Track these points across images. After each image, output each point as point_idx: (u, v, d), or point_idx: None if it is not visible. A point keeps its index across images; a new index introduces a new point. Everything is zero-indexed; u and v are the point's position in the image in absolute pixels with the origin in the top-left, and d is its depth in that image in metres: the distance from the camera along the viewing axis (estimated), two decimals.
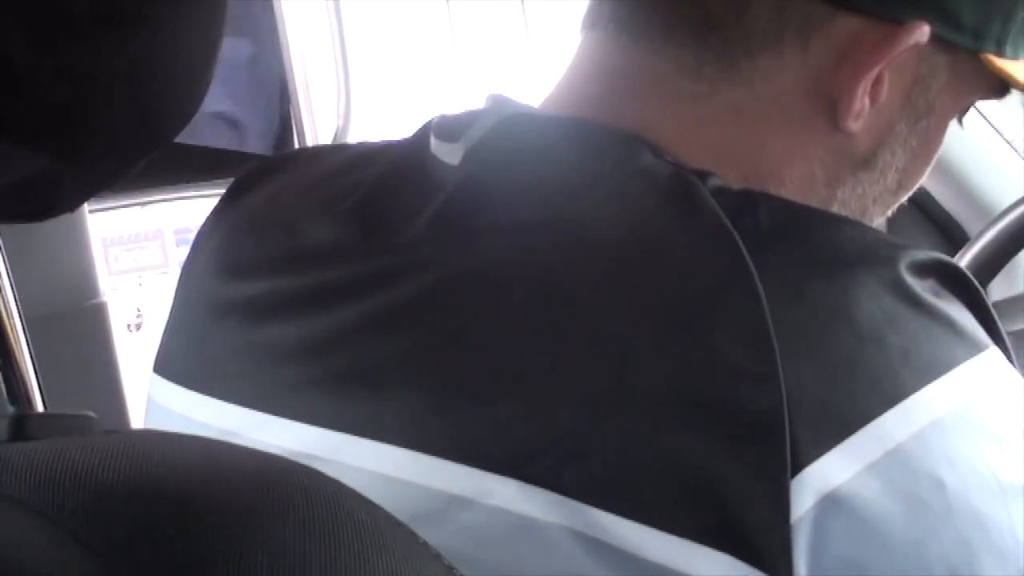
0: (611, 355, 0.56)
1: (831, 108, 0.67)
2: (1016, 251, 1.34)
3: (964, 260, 1.35)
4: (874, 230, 0.60)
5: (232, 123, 2.07)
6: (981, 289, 0.60)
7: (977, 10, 0.67)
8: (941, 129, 0.73)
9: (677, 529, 0.52)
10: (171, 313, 0.76)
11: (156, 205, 2.08)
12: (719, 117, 0.67)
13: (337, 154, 0.77)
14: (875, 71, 0.66)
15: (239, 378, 0.67)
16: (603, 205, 0.60)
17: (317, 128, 2.11)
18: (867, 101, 0.67)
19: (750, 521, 0.52)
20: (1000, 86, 0.72)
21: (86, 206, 1.15)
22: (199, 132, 2.04)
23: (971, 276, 0.59)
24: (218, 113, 2.08)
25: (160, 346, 0.76)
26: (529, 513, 0.55)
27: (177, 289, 0.76)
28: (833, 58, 0.66)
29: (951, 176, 1.62)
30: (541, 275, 0.59)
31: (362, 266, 0.64)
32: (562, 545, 0.54)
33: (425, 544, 0.48)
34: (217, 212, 0.77)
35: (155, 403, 0.73)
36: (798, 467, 0.52)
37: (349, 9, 2.06)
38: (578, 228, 0.60)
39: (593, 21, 0.70)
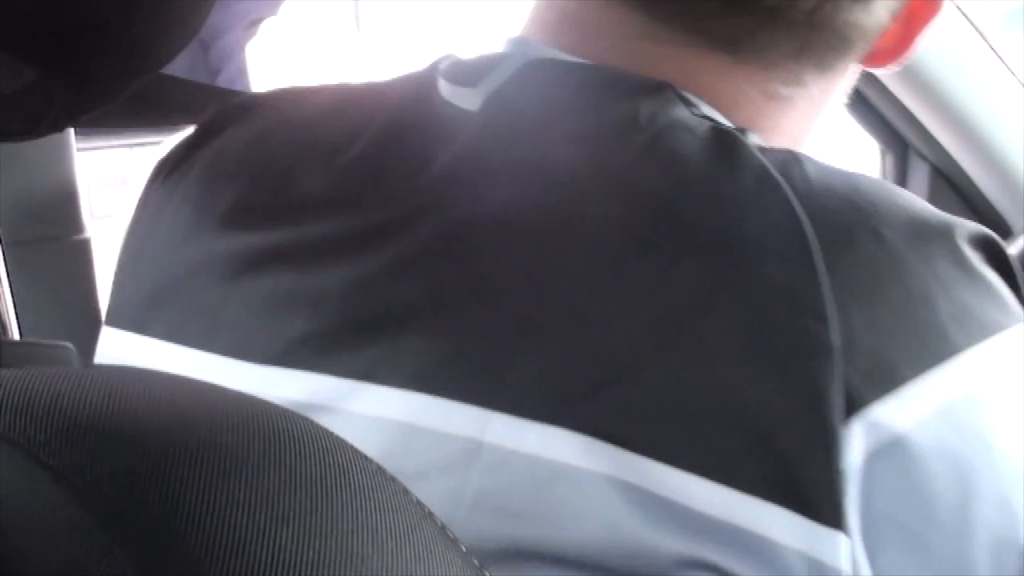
0: (657, 295, 0.57)
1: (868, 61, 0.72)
2: None
3: None
4: (919, 199, 0.62)
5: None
6: (1016, 265, 0.61)
7: None
8: None
9: (730, 479, 0.53)
10: (128, 256, 0.74)
11: (146, 148, 2.07)
12: (796, 112, 0.71)
13: (323, 93, 0.75)
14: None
15: (238, 332, 0.66)
16: (641, 154, 0.61)
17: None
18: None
19: (802, 468, 0.53)
20: None
21: (74, 140, 1.15)
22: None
23: (1008, 253, 0.62)
24: None
25: (112, 299, 0.74)
26: (567, 460, 0.55)
27: (135, 231, 0.74)
28: (903, 24, 0.71)
29: (998, 169, 1.62)
30: (580, 218, 0.60)
31: (374, 214, 0.64)
32: (604, 495, 0.54)
33: (419, 503, 0.48)
34: (187, 152, 0.75)
35: (114, 359, 0.72)
36: (849, 414, 0.53)
37: None
38: (616, 176, 0.61)
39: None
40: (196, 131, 0.76)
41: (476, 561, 0.48)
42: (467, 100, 0.67)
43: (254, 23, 2.15)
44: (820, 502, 0.53)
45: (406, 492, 0.48)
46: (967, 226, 0.60)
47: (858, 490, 0.53)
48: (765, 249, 0.57)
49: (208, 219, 0.70)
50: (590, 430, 0.55)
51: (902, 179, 1.68)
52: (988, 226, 1.74)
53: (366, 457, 0.48)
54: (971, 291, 0.58)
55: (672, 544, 0.54)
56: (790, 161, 0.60)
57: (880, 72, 0.76)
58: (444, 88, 0.68)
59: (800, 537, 0.53)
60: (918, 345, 0.55)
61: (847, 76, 0.72)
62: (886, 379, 0.54)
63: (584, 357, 0.57)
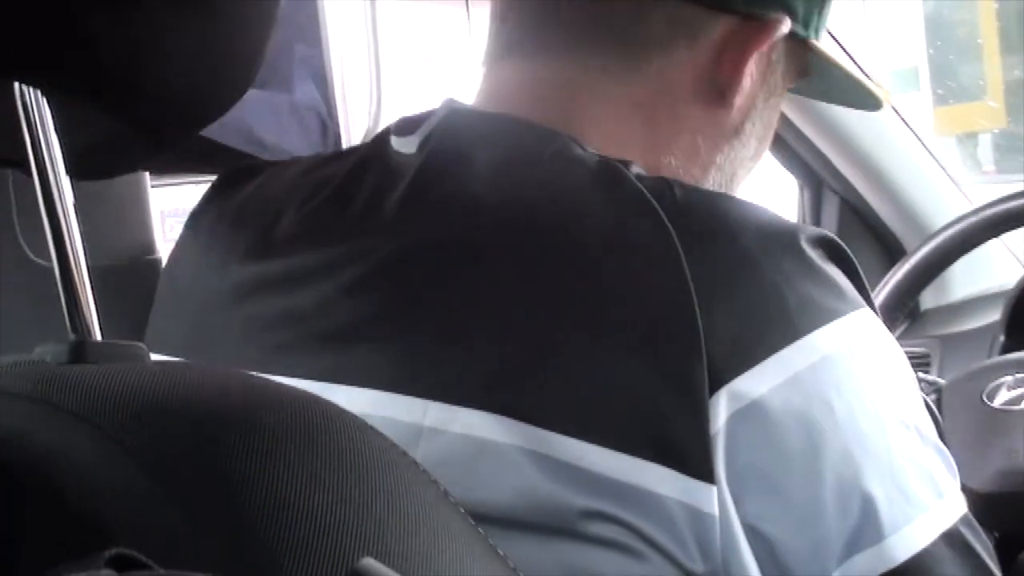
0: (557, 303, 0.58)
1: (713, 90, 0.70)
2: (945, 266, 1.35)
3: (901, 271, 1.35)
4: (771, 210, 0.62)
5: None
6: (855, 260, 0.62)
7: (806, 4, 0.72)
8: (778, 105, 0.77)
9: (619, 445, 0.55)
10: (159, 300, 0.76)
11: (207, 185, 2.09)
12: (625, 110, 0.69)
13: (302, 161, 0.77)
14: (753, 57, 0.70)
15: (233, 346, 0.67)
16: (545, 187, 0.62)
17: (351, 129, 2.11)
18: (747, 81, 0.70)
19: (679, 434, 0.54)
20: (805, 65, 0.76)
21: (148, 178, 1.15)
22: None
23: (849, 251, 0.62)
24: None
25: (152, 326, 0.76)
26: (490, 437, 0.56)
27: (163, 279, 0.76)
28: (716, 51, 0.69)
29: (894, 198, 1.62)
30: (494, 243, 0.61)
31: (336, 247, 0.65)
32: (520, 463, 0.55)
33: (424, 471, 0.48)
34: (200, 208, 0.77)
35: None
36: (715, 387, 0.54)
37: (383, 29, 2.07)
38: (524, 206, 0.62)
39: (502, 52, 0.71)
40: (211, 188, 0.77)
41: (471, 521, 0.48)
42: (407, 146, 0.68)
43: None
44: (695, 462, 0.54)
45: (415, 463, 0.48)
46: (808, 230, 0.60)
47: (723, 448, 0.54)
48: (641, 259, 0.58)
49: (214, 258, 0.71)
50: (504, 411, 0.56)
51: (817, 209, 1.68)
52: (886, 246, 1.75)
53: (381, 433, 0.48)
54: (812, 284, 0.58)
55: (576, 500, 0.55)
56: (663, 186, 0.60)
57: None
58: (393, 140, 0.69)
59: (680, 490, 0.54)
60: (769, 330, 0.56)
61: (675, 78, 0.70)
62: (743, 359, 0.55)
63: (496, 355, 0.58)
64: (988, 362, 1.13)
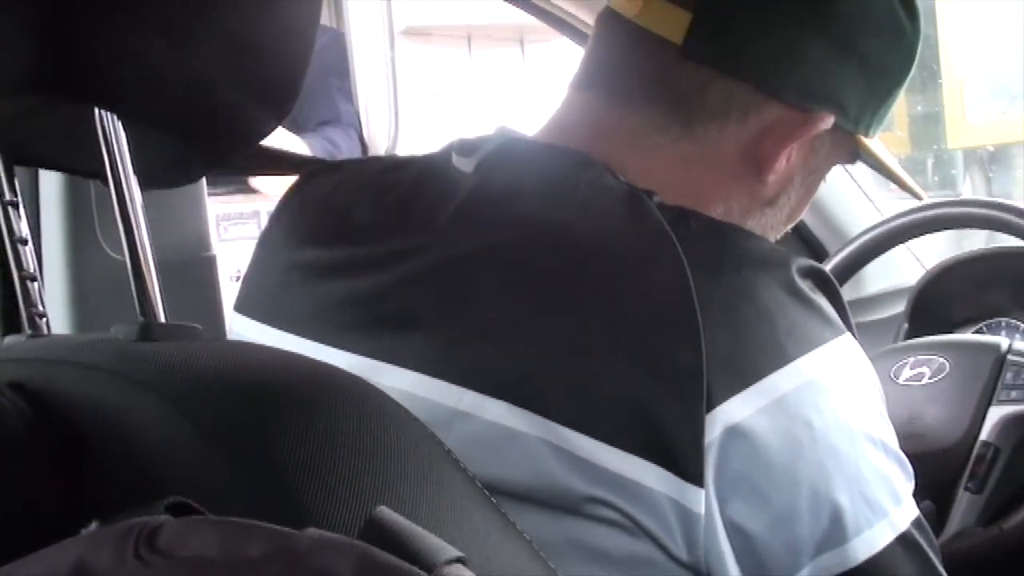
0: (581, 315, 0.55)
1: (753, 164, 0.67)
2: (860, 266, 1.34)
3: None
4: (770, 242, 0.60)
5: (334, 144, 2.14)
6: (839, 288, 0.60)
7: (859, 105, 0.69)
8: (819, 181, 0.74)
9: (624, 445, 0.53)
10: (250, 266, 0.74)
11: (256, 194, 2.08)
12: (671, 162, 0.66)
13: (380, 161, 0.75)
14: (793, 144, 0.67)
15: (303, 318, 0.66)
16: (578, 211, 0.60)
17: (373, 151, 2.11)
18: (783, 162, 0.67)
19: (677, 442, 0.52)
20: (855, 155, 0.74)
21: (205, 187, 1.14)
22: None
23: (835, 280, 0.60)
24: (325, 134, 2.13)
25: (240, 291, 0.74)
26: (514, 426, 0.54)
27: (257, 248, 0.74)
28: (762, 131, 0.66)
29: (818, 210, 1.62)
30: (533, 256, 0.59)
31: (398, 242, 0.63)
32: (538, 451, 0.54)
33: (432, 434, 0.47)
34: (291, 194, 0.75)
35: (236, 333, 0.72)
36: (711, 406, 0.52)
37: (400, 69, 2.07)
38: (560, 226, 0.59)
39: (585, 83, 0.69)
40: (301, 177, 0.75)
41: (470, 473, 0.47)
42: (465, 165, 0.66)
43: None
44: (688, 467, 0.52)
45: (425, 427, 0.47)
46: (800, 262, 0.58)
47: (715, 458, 0.52)
48: (656, 285, 0.55)
49: (296, 239, 0.69)
50: (527, 406, 0.54)
51: None
52: (811, 249, 1.73)
53: (399, 404, 0.47)
54: (801, 312, 0.56)
55: (583, 487, 0.53)
56: (679, 218, 0.58)
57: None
58: (454, 157, 0.67)
59: (672, 489, 0.52)
60: (761, 356, 0.54)
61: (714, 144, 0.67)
62: (739, 381, 0.53)
63: (524, 356, 0.56)
64: (894, 346, 1.13)
